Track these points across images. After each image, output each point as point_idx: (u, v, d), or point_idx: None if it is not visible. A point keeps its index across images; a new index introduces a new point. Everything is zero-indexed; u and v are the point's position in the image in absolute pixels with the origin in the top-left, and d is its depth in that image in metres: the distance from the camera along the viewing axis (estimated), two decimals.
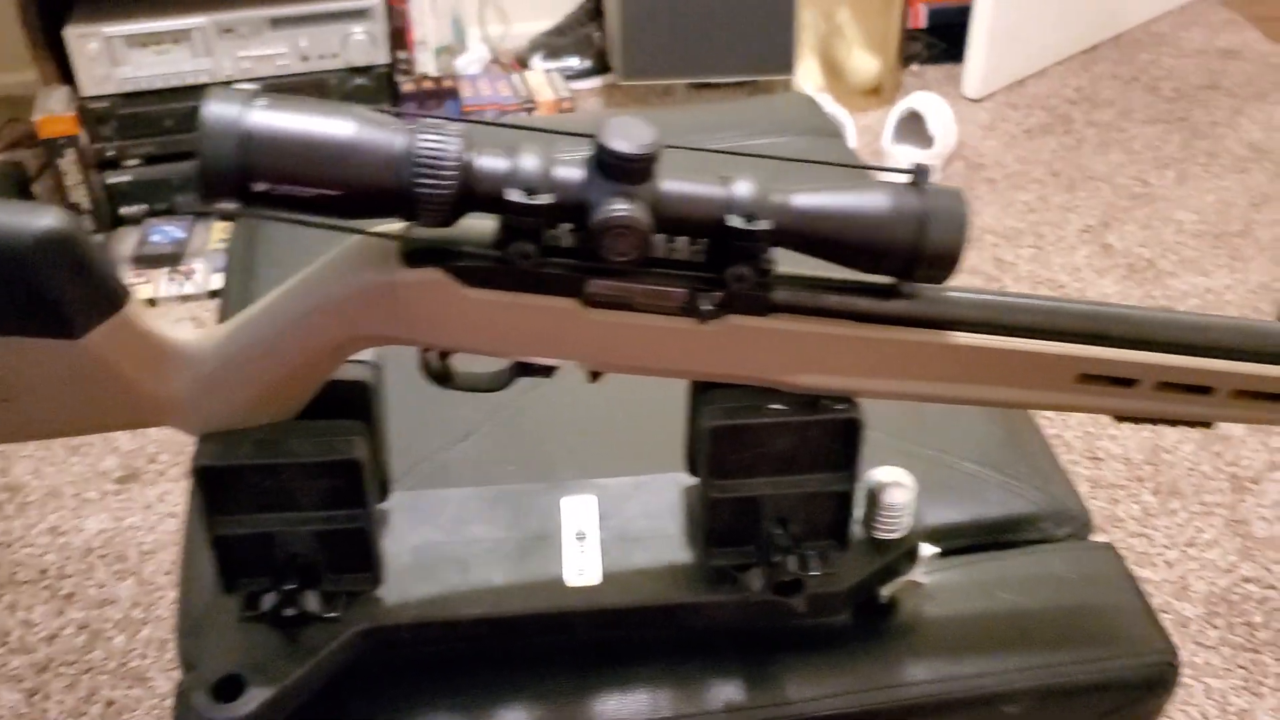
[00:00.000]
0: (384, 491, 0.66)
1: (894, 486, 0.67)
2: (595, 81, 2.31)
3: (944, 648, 0.69)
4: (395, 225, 0.54)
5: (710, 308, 0.55)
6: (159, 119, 1.88)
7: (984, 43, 2.33)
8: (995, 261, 1.94)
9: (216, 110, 0.48)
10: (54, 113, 1.84)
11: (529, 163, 0.51)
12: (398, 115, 0.51)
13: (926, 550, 0.70)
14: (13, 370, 0.55)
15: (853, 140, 2.14)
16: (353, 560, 0.62)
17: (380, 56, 1.93)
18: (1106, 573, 0.75)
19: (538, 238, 0.52)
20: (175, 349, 0.57)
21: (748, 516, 0.64)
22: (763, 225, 0.53)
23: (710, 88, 2.27)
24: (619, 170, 0.50)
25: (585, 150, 0.51)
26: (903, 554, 0.68)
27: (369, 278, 0.54)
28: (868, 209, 0.54)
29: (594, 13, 2.36)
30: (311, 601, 0.60)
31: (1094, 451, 1.57)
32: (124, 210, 1.93)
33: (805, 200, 0.53)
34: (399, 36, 1.96)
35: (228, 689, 0.60)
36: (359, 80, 1.92)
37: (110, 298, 0.54)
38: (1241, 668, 1.30)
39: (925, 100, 2.13)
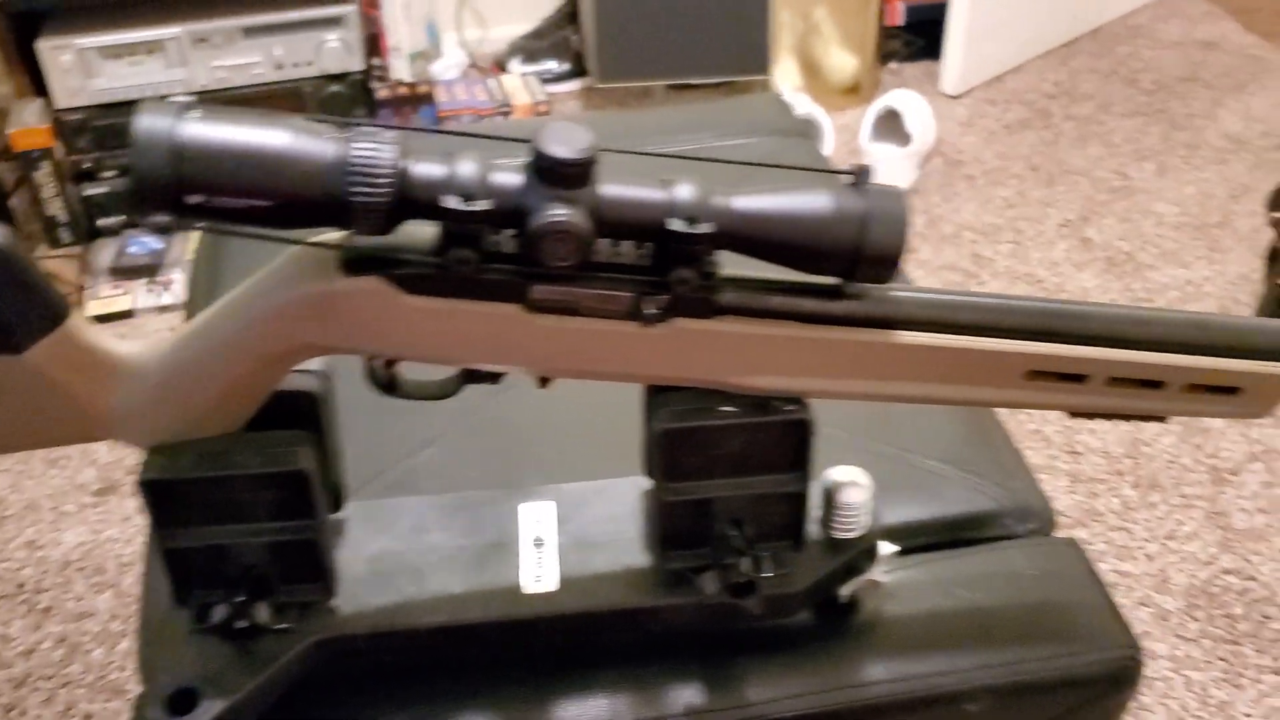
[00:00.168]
0: (337, 501, 0.66)
1: (850, 486, 0.67)
2: (574, 85, 2.31)
3: (904, 647, 0.69)
4: (335, 234, 0.54)
5: (655, 311, 0.55)
6: None
7: (961, 39, 2.33)
8: (974, 258, 1.94)
9: (147, 123, 0.48)
10: (29, 125, 1.83)
11: (466, 169, 0.51)
12: (340, 124, 0.51)
13: (886, 549, 0.69)
14: None
15: (831, 139, 2.14)
16: (304, 571, 0.62)
17: (355, 63, 1.93)
18: (1069, 569, 0.75)
19: (477, 244, 0.52)
20: (119, 362, 0.57)
21: (702, 519, 0.64)
22: (705, 228, 0.52)
23: (688, 89, 2.27)
24: (557, 175, 0.50)
25: (524, 156, 0.51)
26: (861, 553, 0.68)
27: (308, 287, 0.54)
28: (809, 211, 0.54)
29: (571, 16, 2.36)
30: (262, 613, 0.60)
31: (1074, 446, 1.57)
32: (101, 222, 1.93)
33: (747, 203, 0.53)
34: (373, 43, 1.96)
35: (182, 702, 0.60)
36: (334, 88, 1.92)
37: (51, 313, 0.54)
38: (1222, 660, 1.30)
39: (903, 98, 2.13)
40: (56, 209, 1.89)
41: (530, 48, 2.37)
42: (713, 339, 0.57)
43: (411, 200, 0.50)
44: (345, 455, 0.67)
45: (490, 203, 0.50)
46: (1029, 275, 1.90)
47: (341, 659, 0.65)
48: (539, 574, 0.66)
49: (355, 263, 0.54)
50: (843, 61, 2.31)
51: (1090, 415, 0.63)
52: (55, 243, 1.90)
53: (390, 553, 0.67)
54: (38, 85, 1.87)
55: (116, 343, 0.57)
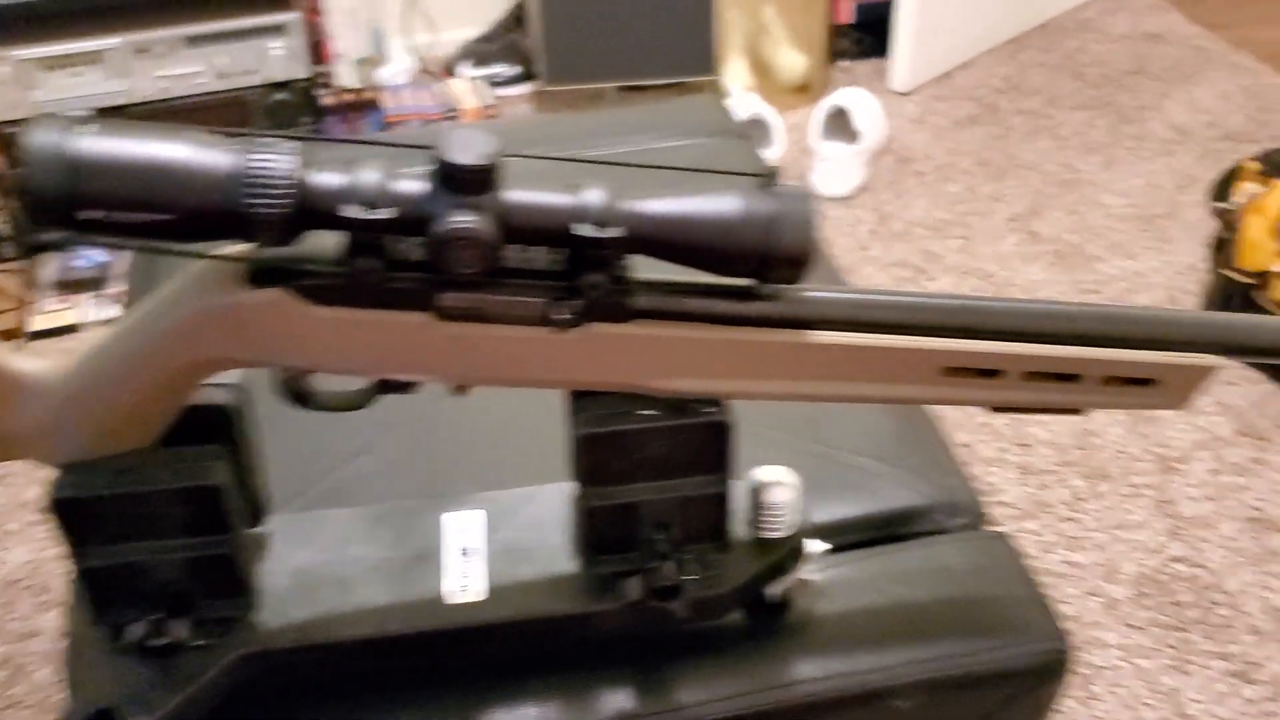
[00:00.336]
0: (257, 515, 0.66)
1: (776, 485, 0.67)
2: (525, 88, 2.30)
3: (835, 645, 0.69)
4: (241, 247, 0.53)
5: (567, 317, 0.55)
6: None
7: (910, 36, 2.34)
8: (924, 254, 1.95)
9: (40, 138, 0.47)
10: None
11: (368, 177, 0.50)
12: (237, 135, 0.50)
13: (816, 547, 0.70)
14: None
15: (782, 138, 2.14)
16: (223, 586, 0.62)
17: (300, 71, 1.91)
18: (998, 563, 0.75)
19: (383, 253, 0.52)
20: (26, 380, 0.56)
21: (627, 523, 0.64)
22: (613, 232, 0.52)
23: (640, 90, 2.27)
24: (460, 182, 0.50)
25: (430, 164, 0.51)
26: (789, 552, 0.68)
27: (212, 301, 0.53)
28: (717, 213, 0.54)
29: (521, 19, 2.36)
30: (180, 630, 0.59)
31: (1023, 438, 1.58)
32: (46, 236, 1.90)
33: (656, 206, 0.53)
34: (318, 50, 1.94)
35: None
36: (279, 95, 1.90)
37: None
38: (1171, 647, 1.31)
39: (852, 96, 2.14)
40: (0, 223, 1.86)
41: (480, 51, 2.36)
42: (628, 343, 0.57)
43: (312, 210, 0.50)
44: (270, 467, 0.66)
45: (393, 211, 0.50)
46: (979, 270, 1.91)
47: (267, 674, 0.64)
48: (465, 584, 0.66)
49: (260, 275, 0.53)
50: (792, 61, 2.32)
51: (1010, 410, 0.64)
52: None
53: (314, 565, 0.67)
54: None
55: (21, 360, 0.56)
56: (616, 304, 0.56)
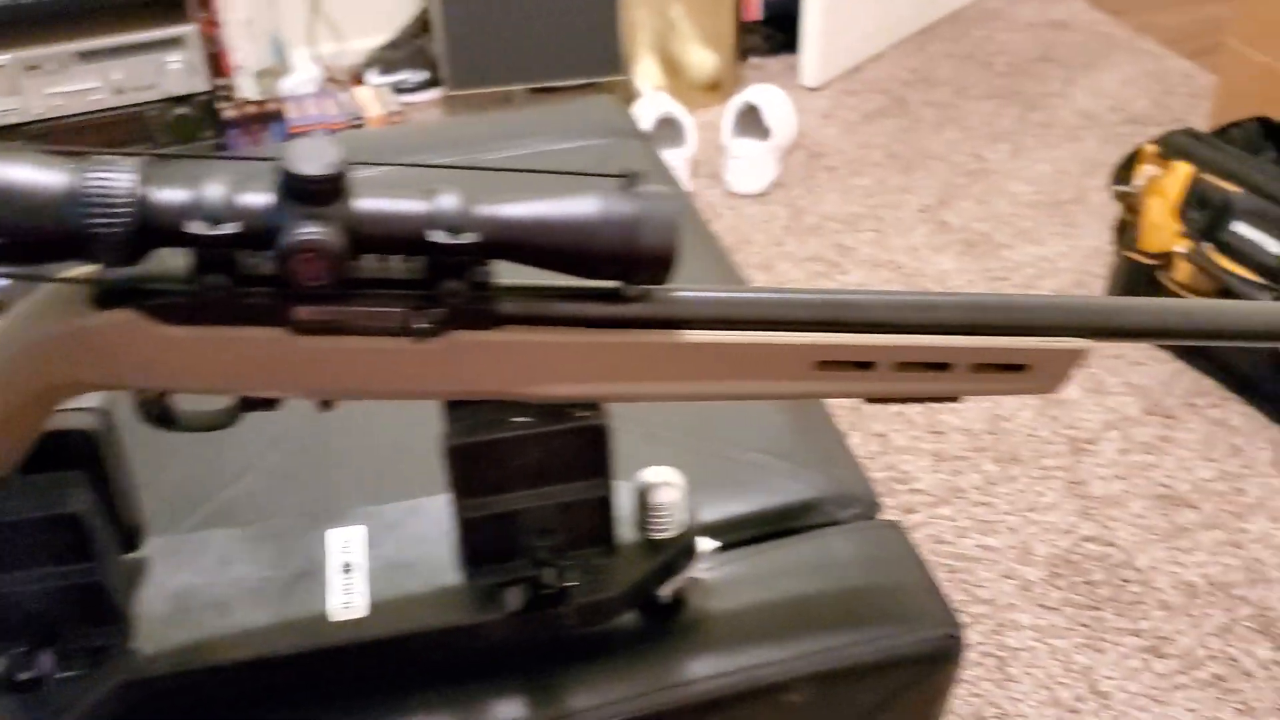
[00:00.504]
0: (132, 540, 0.64)
1: (662, 486, 0.67)
2: (433, 94, 2.29)
3: (727, 642, 0.69)
4: (87, 268, 0.52)
5: (427, 325, 0.54)
6: None
7: (818, 31, 2.36)
8: (837, 248, 1.96)
9: None
10: None
11: (212, 192, 0.49)
12: (75, 154, 0.49)
13: (706, 545, 0.69)
14: None
15: (693, 137, 2.15)
16: (95, 614, 0.60)
17: (200, 84, 1.88)
18: (890, 552, 0.75)
19: (232, 268, 0.51)
20: None
21: (507, 532, 0.63)
22: (469, 238, 0.52)
23: (549, 92, 2.26)
24: (304, 193, 0.49)
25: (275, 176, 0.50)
26: (679, 553, 0.68)
27: (58, 324, 0.52)
28: (576, 216, 0.53)
29: (428, 25, 2.34)
30: (45, 663, 0.58)
31: (936, 426, 1.59)
32: None
33: (512, 210, 0.53)
34: (217, 62, 1.91)
35: None
36: (180, 110, 1.87)
37: None
38: (1084, 625, 1.33)
39: (761, 93, 2.15)
40: None
41: (388, 58, 2.34)
42: (494, 350, 0.56)
43: (155, 228, 0.49)
44: (155, 490, 0.65)
45: (238, 225, 0.49)
46: (890, 262, 1.93)
47: (150, 701, 0.63)
48: (348, 600, 0.65)
49: (107, 296, 0.52)
50: (702, 59, 2.33)
51: (889, 400, 0.64)
52: None
53: (194, 588, 0.65)
54: None
55: None
56: (480, 311, 0.55)
